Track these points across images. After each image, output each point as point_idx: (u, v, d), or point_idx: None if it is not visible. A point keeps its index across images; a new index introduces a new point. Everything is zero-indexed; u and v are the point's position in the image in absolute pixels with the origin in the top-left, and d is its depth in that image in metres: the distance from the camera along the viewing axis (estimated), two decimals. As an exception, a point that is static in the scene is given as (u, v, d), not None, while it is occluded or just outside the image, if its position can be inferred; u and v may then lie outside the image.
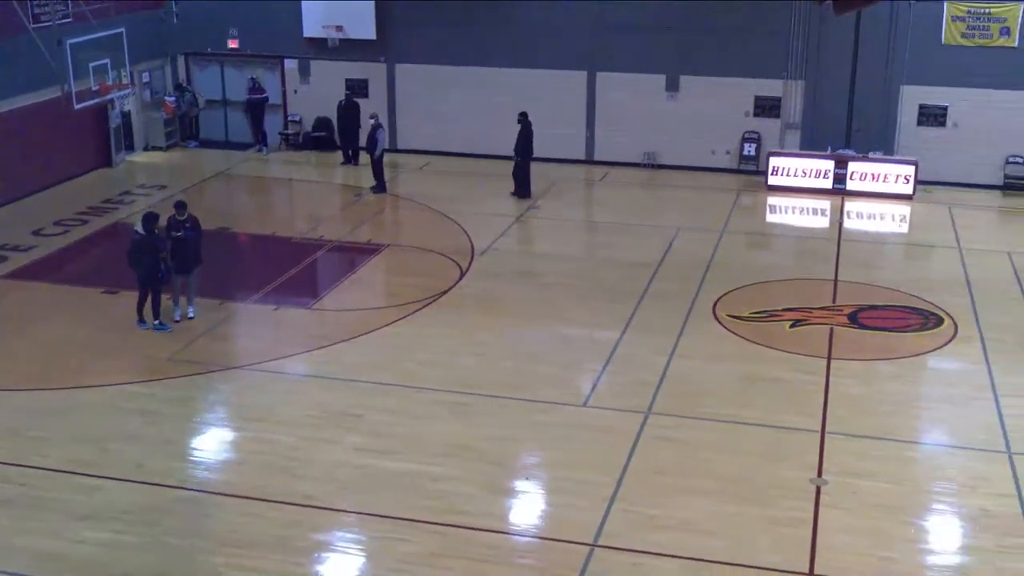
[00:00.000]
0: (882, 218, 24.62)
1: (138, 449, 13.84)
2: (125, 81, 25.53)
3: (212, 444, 14.45)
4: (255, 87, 29.15)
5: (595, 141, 27.97)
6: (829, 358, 16.58)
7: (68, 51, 22.71)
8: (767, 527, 12.14)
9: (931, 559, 11.76)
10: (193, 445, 14.25)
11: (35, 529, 12.09)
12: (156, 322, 17.45)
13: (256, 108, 29.25)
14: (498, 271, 20.46)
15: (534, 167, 25.32)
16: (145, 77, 29.20)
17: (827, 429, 14.36)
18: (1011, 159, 25.70)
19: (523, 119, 24.91)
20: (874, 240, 23.49)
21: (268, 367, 16.32)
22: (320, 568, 11.53)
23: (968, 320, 18.13)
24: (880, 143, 26.00)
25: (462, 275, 20.17)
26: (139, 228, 17.46)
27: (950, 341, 17.34)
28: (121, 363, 16.36)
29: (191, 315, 17.82)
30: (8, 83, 23.89)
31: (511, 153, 25.12)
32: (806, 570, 11.38)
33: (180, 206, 17.91)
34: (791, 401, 15.20)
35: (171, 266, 17.42)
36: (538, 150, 27.18)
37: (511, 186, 25.01)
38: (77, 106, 23.30)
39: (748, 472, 13.32)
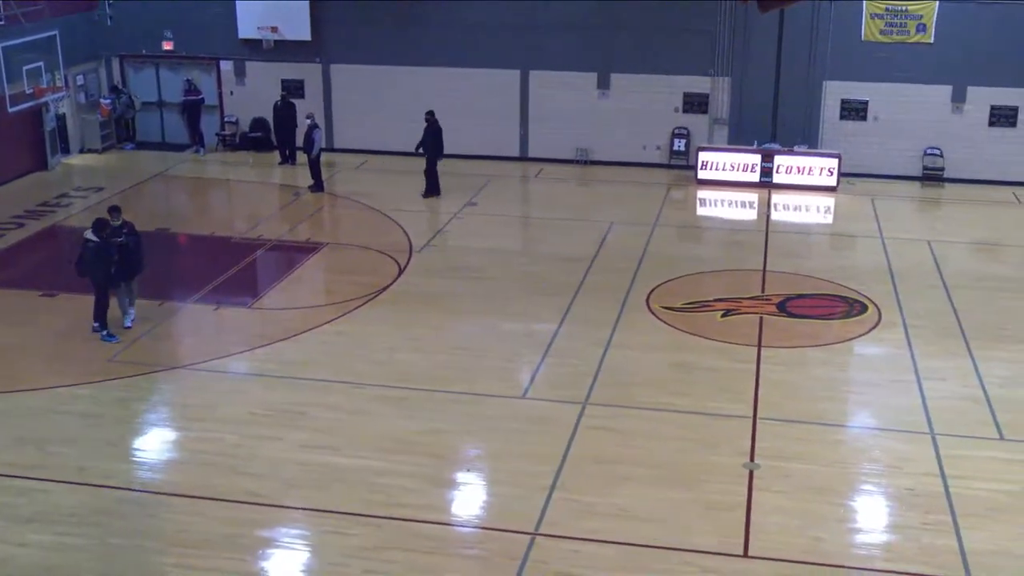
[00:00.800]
0: (807, 210, 25.24)
1: (80, 451, 13.82)
2: (59, 84, 25.34)
3: (155, 444, 14.46)
4: (191, 88, 29.03)
5: (529, 138, 28.28)
6: (759, 346, 17.00)
7: (1, 54, 22.51)
8: (702, 511, 12.44)
9: (859, 537, 12.12)
10: (136, 446, 14.25)
11: (-22, 534, 12.04)
12: (104, 331, 17.23)
13: (192, 109, 29.14)
14: (436, 267, 20.67)
15: (466, 164, 25.57)
16: (80, 79, 28.96)
17: (758, 415, 14.73)
18: (928, 151, 26.49)
19: (430, 118, 25.13)
20: (800, 231, 24.03)
21: (210, 366, 16.37)
22: (266, 564, 11.62)
23: (891, 307, 18.68)
24: (804, 137, 26.62)
25: (401, 272, 20.35)
26: (91, 235, 17.00)
27: (874, 327, 17.85)
28: (61, 366, 16.31)
29: (128, 324, 17.54)
30: (-60, 87, 23.68)
31: (449, 150, 25.34)
32: (740, 552, 11.69)
33: (115, 211, 17.58)
34: (724, 388, 15.56)
35: (116, 275, 17.22)
36: (474, 148, 27.53)
37: (450, 183, 25.16)
38: (11, 109, 23.17)
39: (683, 458, 13.63)
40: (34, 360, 16.56)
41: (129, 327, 17.44)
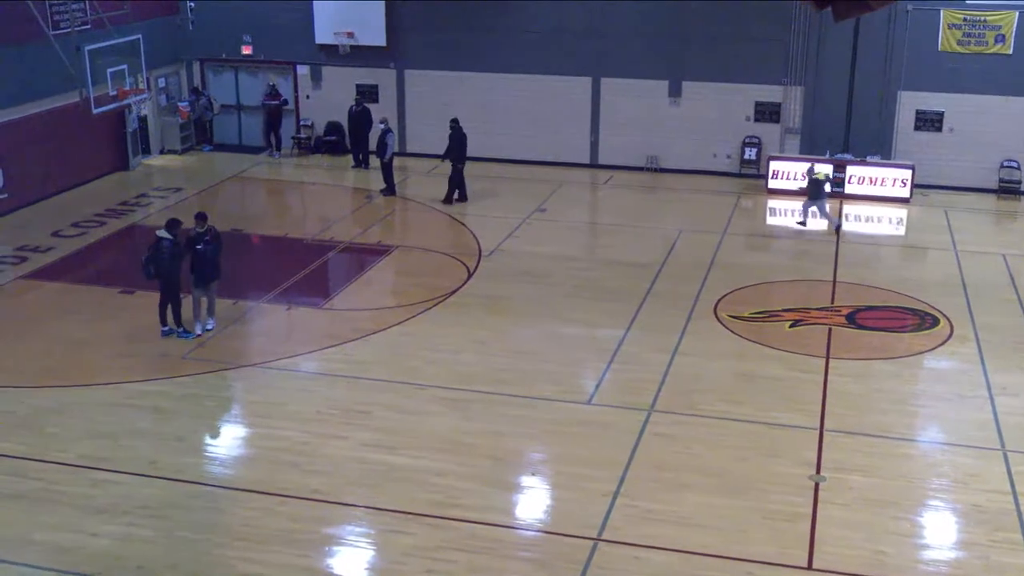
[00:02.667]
0: (879, 221, 24.94)
1: (151, 445, 14.13)
2: (142, 86, 25.87)
3: (224, 440, 14.75)
4: (273, 93, 29.45)
5: (599, 145, 28.30)
6: (827, 357, 16.84)
7: (87, 57, 22.99)
8: (764, 522, 12.35)
9: (925, 553, 11.94)
10: (205, 441, 14.56)
11: (52, 523, 12.31)
12: (180, 328, 17.48)
13: (273, 113, 29.57)
14: (504, 272, 20.77)
15: (536, 170, 25.62)
16: (161, 82, 29.64)
17: (825, 426, 14.59)
18: (1005, 163, 26.01)
19: (455, 125, 25.22)
20: (872, 242, 23.77)
21: (280, 365, 16.62)
22: (328, 561, 11.78)
23: (963, 320, 18.39)
24: (878, 147, 26.28)
25: (469, 276, 20.49)
26: (165, 233, 17.18)
27: (946, 341, 17.60)
28: (136, 361, 16.67)
29: (210, 327, 17.68)
30: (28, 88, 24.32)
31: (519, 157, 25.43)
32: (803, 564, 11.58)
33: (200, 218, 17.53)
34: (790, 399, 15.43)
35: (190, 278, 17.34)
36: (544, 154, 27.59)
37: (520, 189, 25.27)
38: (95, 111, 23.61)
39: (746, 468, 13.55)
40: (110, 355, 16.94)
41: (199, 335, 17.49)
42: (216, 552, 11.86)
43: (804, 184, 24.14)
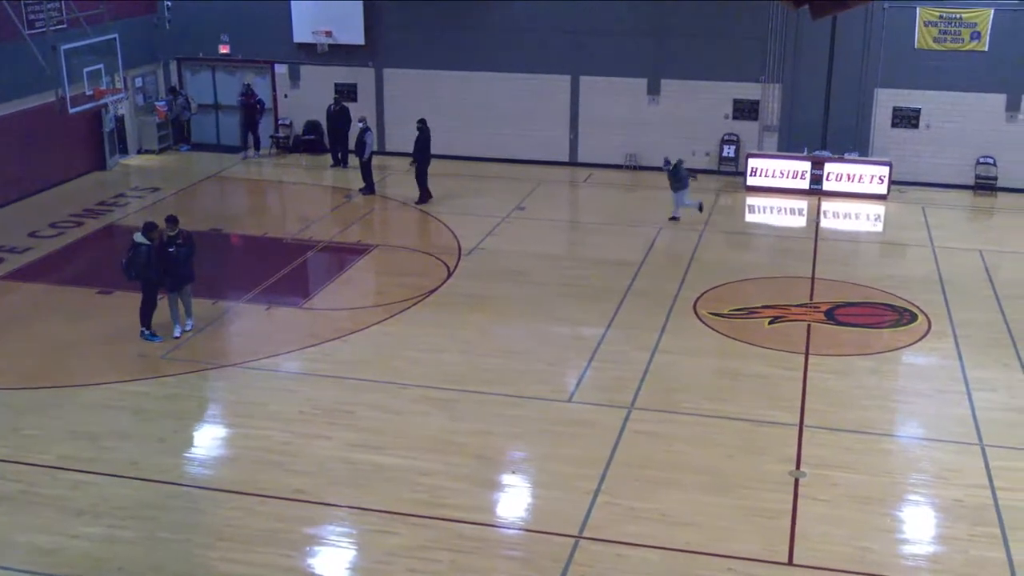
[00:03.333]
0: (857, 217, 25.07)
1: (132, 446, 14.07)
2: (119, 86, 25.75)
3: (205, 440, 14.69)
4: (248, 92, 29.33)
5: (579, 143, 28.35)
6: (807, 354, 16.92)
7: (63, 56, 22.86)
8: (746, 518, 12.42)
9: (906, 548, 12.02)
10: (186, 442, 14.48)
11: (32, 525, 12.26)
12: (148, 331, 17.40)
13: (249, 113, 29.46)
14: (485, 270, 20.79)
15: (515, 168, 25.63)
16: (138, 82, 29.49)
17: (805, 423, 14.66)
18: (982, 160, 26.22)
19: (422, 126, 25.23)
20: (850, 239, 23.94)
21: (261, 365, 16.59)
22: (311, 561, 11.76)
23: (941, 316, 18.53)
24: (855, 144, 26.44)
25: (449, 274, 20.49)
26: (141, 238, 17.04)
27: (924, 337, 17.71)
28: (115, 362, 16.60)
29: (189, 327, 17.63)
30: (3, 88, 24.16)
31: (499, 155, 25.47)
32: (785, 560, 11.64)
33: (171, 221, 17.39)
34: (770, 396, 15.50)
35: (164, 282, 17.27)
36: (523, 152, 27.61)
37: (499, 187, 25.30)
38: (72, 110, 23.48)
39: (728, 465, 13.61)
40: (89, 356, 16.88)
41: (177, 337, 17.43)
42: (198, 553, 11.83)
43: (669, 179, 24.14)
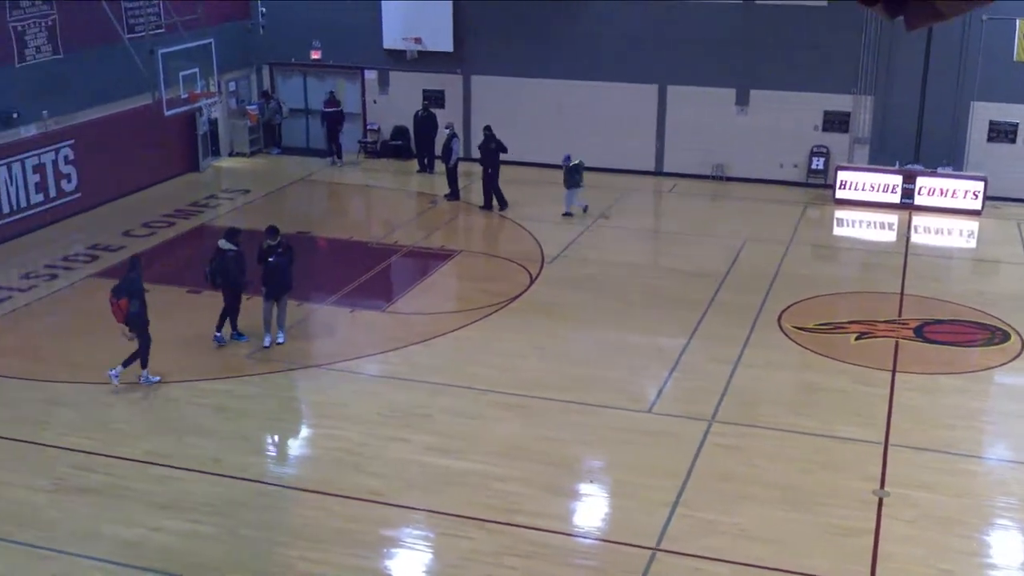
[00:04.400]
0: (950, 233, 24.48)
1: (216, 443, 14.33)
2: (213, 89, 26.23)
3: (286, 440, 14.93)
4: (331, 100, 29.65)
5: (665, 153, 28.18)
6: (894, 371, 16.59)
7: (160, 60, 23.41)
8: (825, 536, 12.22)
9: (990, 573, 11.73)
10: (267, 440, 14.75)
11: (118, 517, 12.54)
12: (235, 332, 17.48)
13: (333, 121, 29.76)
14: (567, 278, 20.75)
15: (600, 177, 25.63)
16: (232, 86, 30.05)
17: (890, 441, 14.38)
18: (1082, 176, 25.46)
19: (488, 132, 25.21)
20: (941, 255, 23.42)
21: (343, 367, 16.77)
22: (386, 563, 11.87)
23: (1035, 336, 18.08)
24: (949, 159, 25.85)
25: (532, 281, 20.51)
26: (227, 244, 17.07)
27: (1017, 357, 17.24)
28: (202, 360, 16.91)
29: (280, 340, 17.39)
30: (103, 90, 24.79)
31: (584, 163, 25.39)
32: (863, 579, 11.47)
33: (272, 231, 17.30)
34: (854, 412, 15.24)
35: (262, 290, 17.24)
36: (609, 161, 27.50)
37: (584, 195, 25.22)
38: (167, 113, 24.02)
39: (808, 481, 13.41)
40: (177, 353, 17.14)
41: (267, 347, 17.25)
42: (277, 551, 12.00)
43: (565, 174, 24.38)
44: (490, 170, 25.07)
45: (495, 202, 25.20)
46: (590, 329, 18.39)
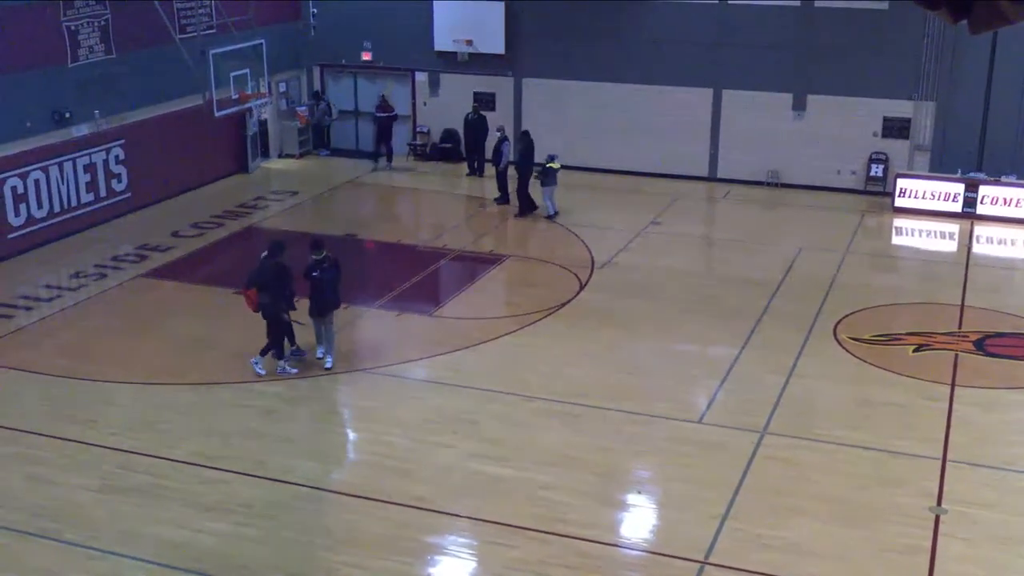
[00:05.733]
0: (1013, 244, 23.84)
1: (261, 446, 14.26)
2: (263, 90, 26.31)
3: (331, 443, 14.81)
4: (384, 104, 29.52)
5: (719, 158, 27.81)
6: (953, 384, 16.16)
7: (211, 61, 23.54)
8: (879, 553, 11.91)
9: (1052, 594, 11.42)
10: (312, 444, 14.61)
11: (162, 518, 12.51)
12: (294, 347, 16.66)
13: (384, 125, 29.61)
14: (617, 285, 20.49)
15: (653, 182, 25.33)
16: (282, 87, 30.12)
17: (948, 457, 13.99)
18: None
19: (525, 136, 24.98)
20: (1004, 266, 22.82)
21: (389, 371, 16.65)
22: (430, 570, 11.71)
23: (1102, 351, 17.52)
24: (1013, 167, 25.23)
25: (581, 288, 20.27)
26: (277, 257, 16.25)
27: (1081, 372, 16.77)
28: (247, 362, 16.72)
29: (328, 365, 16.51)
30: (154, 90, 24.93)
31: (636, 168, 25.17)
32: (920, 599, 11.16)
33: (316, 245, 16.48)
34: (911, 427, 14.86)
35: (309, 306, 16.52)
36: (662, 166, 27.20)
37: (635, 201, 24.96)
38: (218, 113, 24.13)
39: (862, 496, 13.08)
40: (224, 355, 17.15)
41: (328, 368, 16.51)
42: (321, 555, 11.89)
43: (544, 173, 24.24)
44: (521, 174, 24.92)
45: (521, 204, 24.96)
46: (640, 337, 18.12)
